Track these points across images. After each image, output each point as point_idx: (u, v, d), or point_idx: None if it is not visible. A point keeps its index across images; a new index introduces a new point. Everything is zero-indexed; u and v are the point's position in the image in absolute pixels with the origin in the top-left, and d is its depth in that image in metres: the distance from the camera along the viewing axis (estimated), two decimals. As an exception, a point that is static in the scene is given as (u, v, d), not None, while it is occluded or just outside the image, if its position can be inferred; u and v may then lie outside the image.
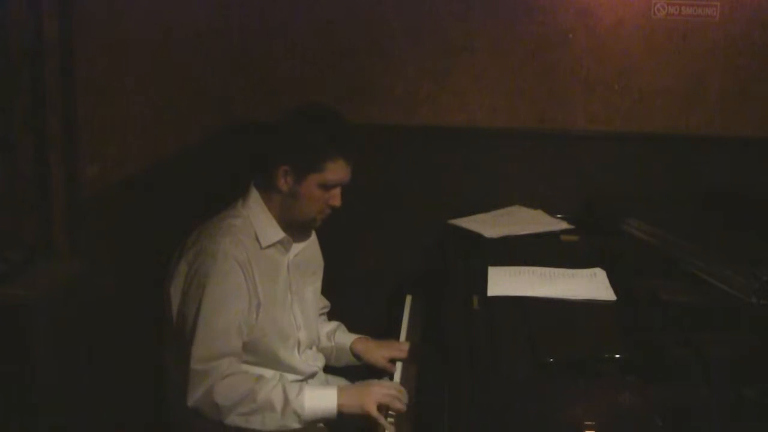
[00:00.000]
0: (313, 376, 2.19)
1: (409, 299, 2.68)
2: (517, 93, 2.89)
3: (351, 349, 2.25)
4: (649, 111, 2.87)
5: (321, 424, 1.99)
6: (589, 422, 1.57)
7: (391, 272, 2.98)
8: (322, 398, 1.89)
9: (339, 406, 1.89)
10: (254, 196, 2.05)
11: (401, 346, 2.27)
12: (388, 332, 2.49)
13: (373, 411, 1.88)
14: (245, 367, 1.98)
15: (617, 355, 1.73)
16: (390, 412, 1.92)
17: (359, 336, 2.29)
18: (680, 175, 2.88)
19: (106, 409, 1.90)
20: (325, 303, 2.38)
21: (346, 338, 2.29)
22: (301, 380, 2.10)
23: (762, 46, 2.80)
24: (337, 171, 1.99)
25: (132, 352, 2.01)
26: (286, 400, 1.86)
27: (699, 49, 2.81)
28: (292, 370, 2.10)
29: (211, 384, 1.83)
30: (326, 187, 1.99)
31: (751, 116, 2.86)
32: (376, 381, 2.06)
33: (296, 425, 1.88)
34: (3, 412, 1.61)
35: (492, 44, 2.85)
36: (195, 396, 1.83)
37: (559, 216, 2.76)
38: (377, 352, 2.24)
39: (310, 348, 2.23)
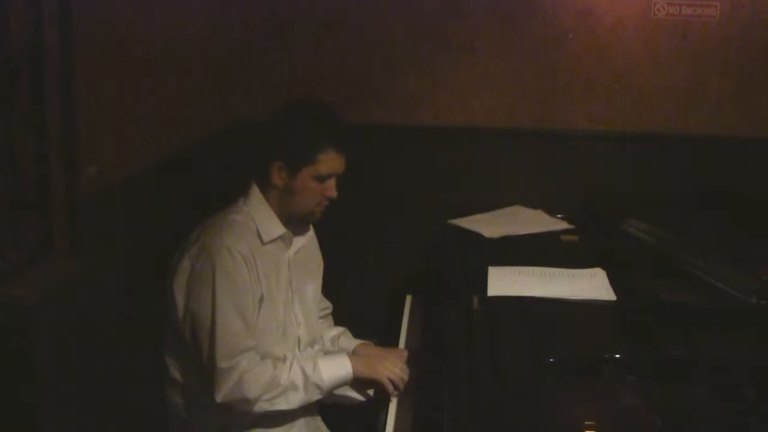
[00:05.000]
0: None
1: (409, 299, 2.67)
2: (517, 93, 2.88)
3: (353, 353, 2.25)
4: (649, 111, 2.87)
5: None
6: (589, 422, 1.57)
7: (391, 272, 2.98)
8: (337, 367, 2.00)
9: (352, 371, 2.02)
10: (255, 192, 2.05)
11: (402, 353, 2.27)
12: (388, 332, 2.49)
13: (384, 378, 2.01)
14: None
15: (617, 355, 1.73)
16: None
17: (362, 341, 2.29)
18: (680, 175, 2.88)
19: (106, 409, 1.90)
20: (326, 304, 2.37)
21: (349, 343, 2.28)
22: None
23: (762, 46, 2.80)
24: (330, 162, 2.00)
25: (132, 352, 2.02)
26: (306, 377, 1.95)
27: (699, 49, 2.81)
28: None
29: (238, 379, 1.88)
30: (321, 179, 2.00)
31: (750, 116, 2.86)
32: (392, 351, 2.18)
33: (318, 397, 1.98)
34: (3, 412, 1.61)
35: (492, 44, 2.85)
36: (223, 392, 1.88)
37: (559, 216, 2.76)
38: None
39: (311, 346, 2.23)
